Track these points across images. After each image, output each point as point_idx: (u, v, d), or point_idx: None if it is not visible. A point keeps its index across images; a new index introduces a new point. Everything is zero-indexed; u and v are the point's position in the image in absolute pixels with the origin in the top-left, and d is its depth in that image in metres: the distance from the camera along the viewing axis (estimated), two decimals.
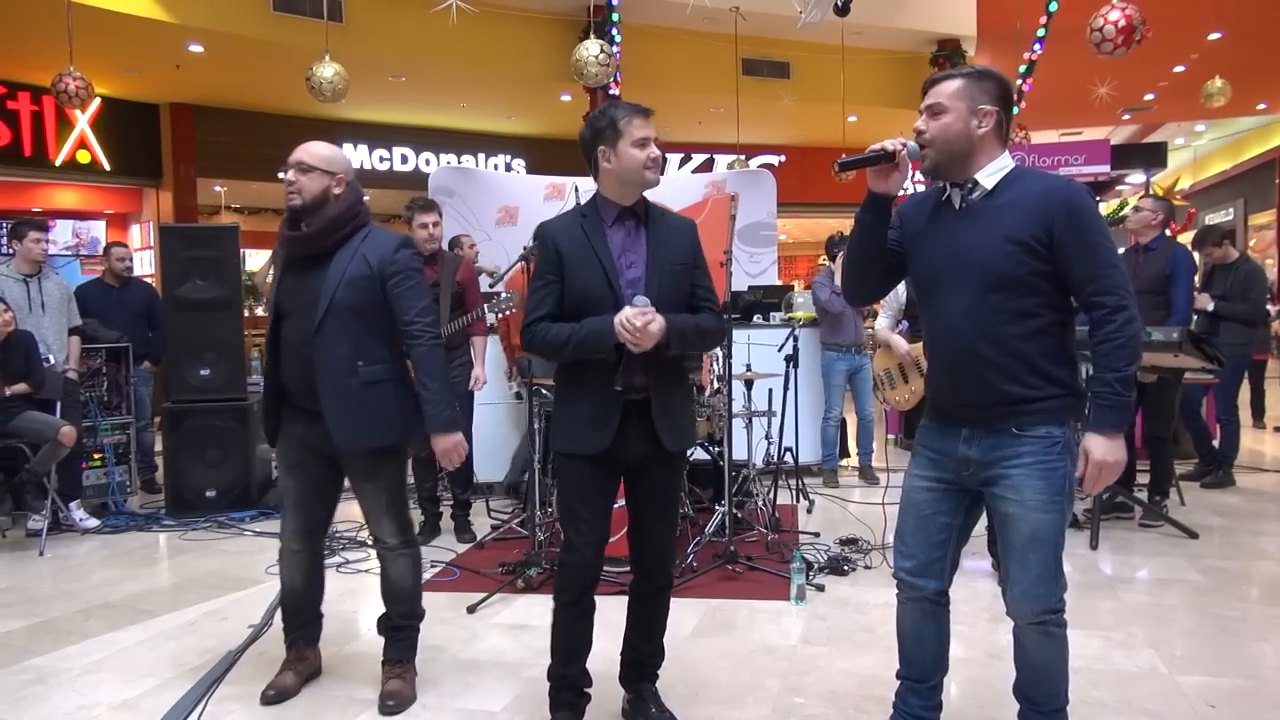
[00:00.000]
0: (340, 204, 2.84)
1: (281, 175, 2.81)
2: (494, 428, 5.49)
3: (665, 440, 2.53)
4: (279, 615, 3.14)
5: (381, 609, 3.07)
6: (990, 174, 2.22)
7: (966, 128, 2.20)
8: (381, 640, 3.06)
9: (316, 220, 2.81)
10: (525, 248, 4.21)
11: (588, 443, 2.49)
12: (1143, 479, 5.27)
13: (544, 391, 4.50)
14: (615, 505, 2.62)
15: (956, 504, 2.32)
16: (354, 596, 4.04)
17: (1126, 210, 5.15)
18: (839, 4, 6.39)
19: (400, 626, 3.03)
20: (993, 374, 2.17)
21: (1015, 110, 11.30)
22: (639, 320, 2.37)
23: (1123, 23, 6.56)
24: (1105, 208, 10.95)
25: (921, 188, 2.73)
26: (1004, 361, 2.16)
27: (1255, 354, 8.62)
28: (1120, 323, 2.09)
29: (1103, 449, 2.12)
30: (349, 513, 4.07)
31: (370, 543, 3.26)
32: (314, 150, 2.85)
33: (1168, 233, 5.43)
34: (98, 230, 11.37)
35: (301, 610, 3.08)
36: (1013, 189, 2.19)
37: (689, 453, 3.03)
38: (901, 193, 2.34)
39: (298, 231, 2.83)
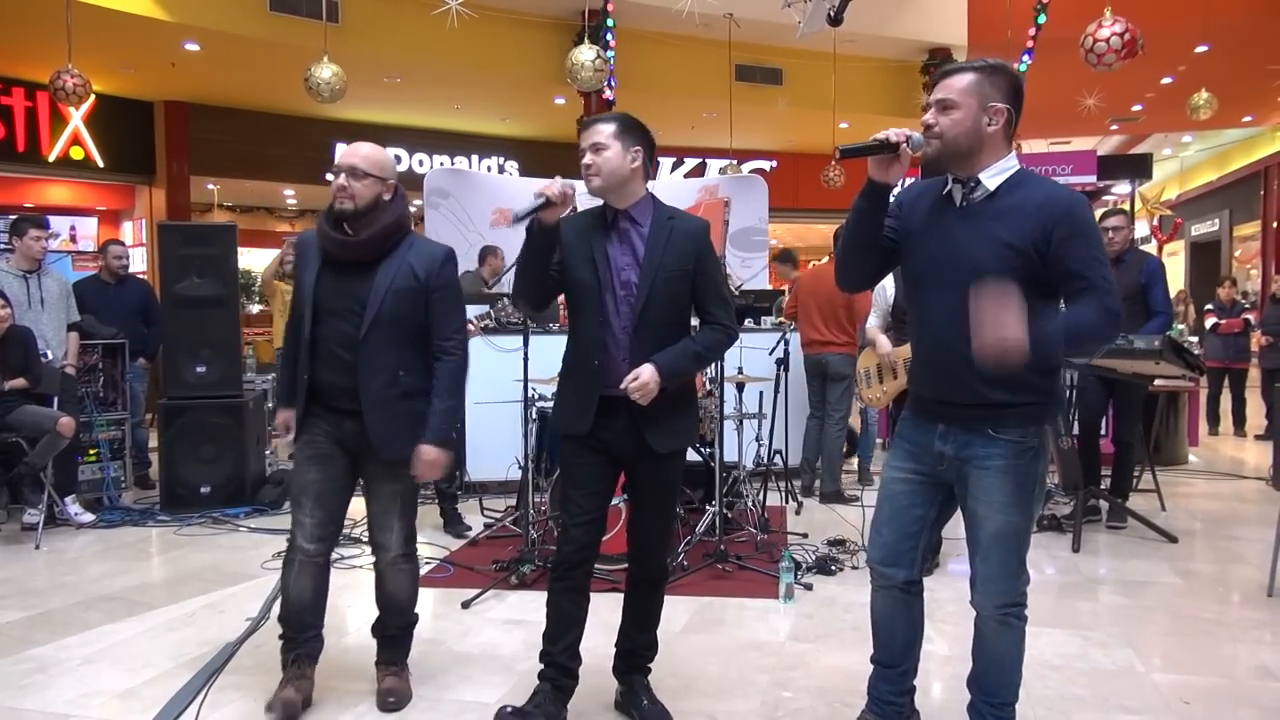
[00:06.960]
0: (391, 212, 2.77)
1: (331, 177, 2.71)
2: (487, 427, 5.54)
3: (651, 441, 2.60)
4: (275, 612, 2.99)
5: (372, 612, 3.02)
6: (994, 174, 2.18)
7: (976, 125, 2.14)
8: (372, 638, 3.05)
9: (366, 227, 2.72)
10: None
11: (572, 424, 2.62)
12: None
13: (540, 393, 4.58)
14: (614, 501, 2.70)
15: (931, 497, 2.36)
16: (349, 591, 4.09)
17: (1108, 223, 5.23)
18: (832, 14, 6.47)
19: (395, 635, 3.01)
20: (973, 377, 2.16)
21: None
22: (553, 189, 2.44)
23: (1128, 35, 6.70)
24: None
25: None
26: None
27: (1235, 363, 8.82)
28: (1098, 315, 2.08)
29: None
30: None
31: (367, 546, 3.20)
32: (367, 155, 2.74)
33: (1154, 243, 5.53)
34: (90, 226, 11.37)
35: (306, 625, 2.87)
36: (1016, 193, 2.15)
37: None
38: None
39: (343, 235, 2.73)
